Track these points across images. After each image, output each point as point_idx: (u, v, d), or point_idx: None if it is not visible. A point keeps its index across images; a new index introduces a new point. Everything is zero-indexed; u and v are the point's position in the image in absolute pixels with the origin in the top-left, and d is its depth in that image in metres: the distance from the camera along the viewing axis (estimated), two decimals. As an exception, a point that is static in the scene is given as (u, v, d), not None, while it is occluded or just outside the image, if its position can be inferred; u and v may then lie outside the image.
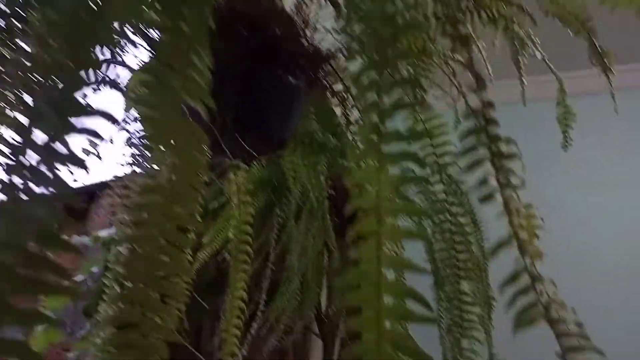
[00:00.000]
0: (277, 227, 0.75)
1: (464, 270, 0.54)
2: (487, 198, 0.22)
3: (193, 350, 0.80)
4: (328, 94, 0.60)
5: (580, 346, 0.21)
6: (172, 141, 0.26)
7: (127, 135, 0.57)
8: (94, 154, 0.80)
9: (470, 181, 0.23)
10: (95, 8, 0.23)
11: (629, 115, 1.90)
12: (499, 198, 0.23)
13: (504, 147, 0.24)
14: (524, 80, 0.49)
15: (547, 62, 0.52)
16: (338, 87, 0.62)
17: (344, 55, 0.43)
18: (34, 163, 0.17)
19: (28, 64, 0.23)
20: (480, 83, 0.24)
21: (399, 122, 0.29)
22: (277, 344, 0.70)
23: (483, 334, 0.77)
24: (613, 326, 1.67)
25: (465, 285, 0.54)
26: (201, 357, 0.76)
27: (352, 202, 0.25)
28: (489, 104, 0.23)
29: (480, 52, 0.56)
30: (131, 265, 0.21)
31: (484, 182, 0.23)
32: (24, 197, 0.16)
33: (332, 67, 0.53)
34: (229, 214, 0.71)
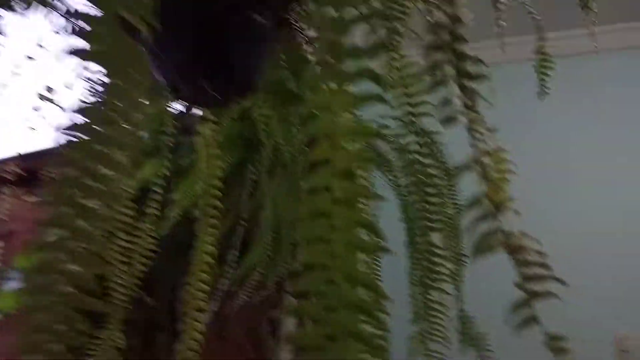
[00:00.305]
0: (250, 183, 0.73)
1: (436, 222, 0.53)
2: (449, 120, 0.21)
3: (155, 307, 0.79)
4: (301, 41, 0.57)
5: (541, 275, 0.20)
6: (110, 59, 0.24)
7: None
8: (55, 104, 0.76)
9: (434, 101, 0.22)
10: None
11: (621, 76, 1.90)
12: (463, 120, 0.21)
13: (471, 67, 0.22)
14: (502, 22, 0.47)
15: (527, 6, 0.49)
16: (311, 34, 0.58)
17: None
18: None
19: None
20: (447, -4, 0.22)
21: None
22: (248, 299, 0.70)
23: (453, 289, 0.78)
24: (593, 282, 1.73)
25: (436, 238, 0.53)
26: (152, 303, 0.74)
27: (306, 128, 0.23)
28: (456, 19, 0.21)
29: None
30: (55, 188, 0.19)
31: (447, 102, 0.21)
32: None
33: (303, 9, 0.50)
34: (198, 168, 0.69)
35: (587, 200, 1.84)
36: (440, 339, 0.53)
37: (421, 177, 0.55)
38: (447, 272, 0.54)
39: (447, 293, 0.55)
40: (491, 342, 0.73)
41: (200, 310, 0.59)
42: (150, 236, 0.61)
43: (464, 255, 0.77)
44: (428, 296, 0.54)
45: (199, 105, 0.49)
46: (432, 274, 0.53)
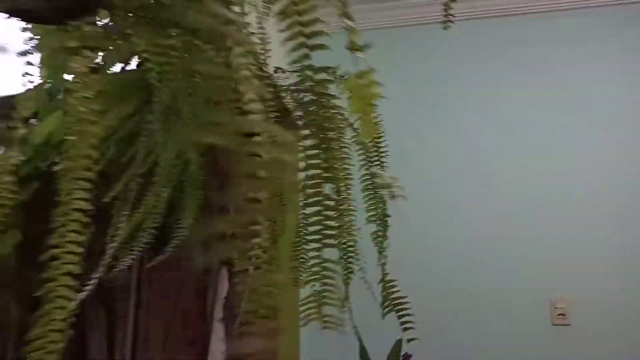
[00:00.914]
0: (145, 135, 0.64)
1: (329, 170, 0.46)
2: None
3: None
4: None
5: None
6: None
7: None
8: None
9: None
10: None
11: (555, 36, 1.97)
12: None
13: None
14: None
15: None
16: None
17: None
18: None
19: None
20: None
21: None
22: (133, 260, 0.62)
23: (378, 253, 0.73)
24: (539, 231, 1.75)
25: (329, 190, 0.47)
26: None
27: None
28: None
29: None
30: None
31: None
32: None
33: None
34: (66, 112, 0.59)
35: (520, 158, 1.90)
36: (335, 302, 0.47)
37: (319, 119, 0.48)
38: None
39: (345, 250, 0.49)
40: (412, 307, 0.68)
41: (71, 274, 0.51)
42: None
43: (387, 216, 0.72)
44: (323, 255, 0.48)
45: (22, 18, 0.40)
46: (327, 230, 0.47)
